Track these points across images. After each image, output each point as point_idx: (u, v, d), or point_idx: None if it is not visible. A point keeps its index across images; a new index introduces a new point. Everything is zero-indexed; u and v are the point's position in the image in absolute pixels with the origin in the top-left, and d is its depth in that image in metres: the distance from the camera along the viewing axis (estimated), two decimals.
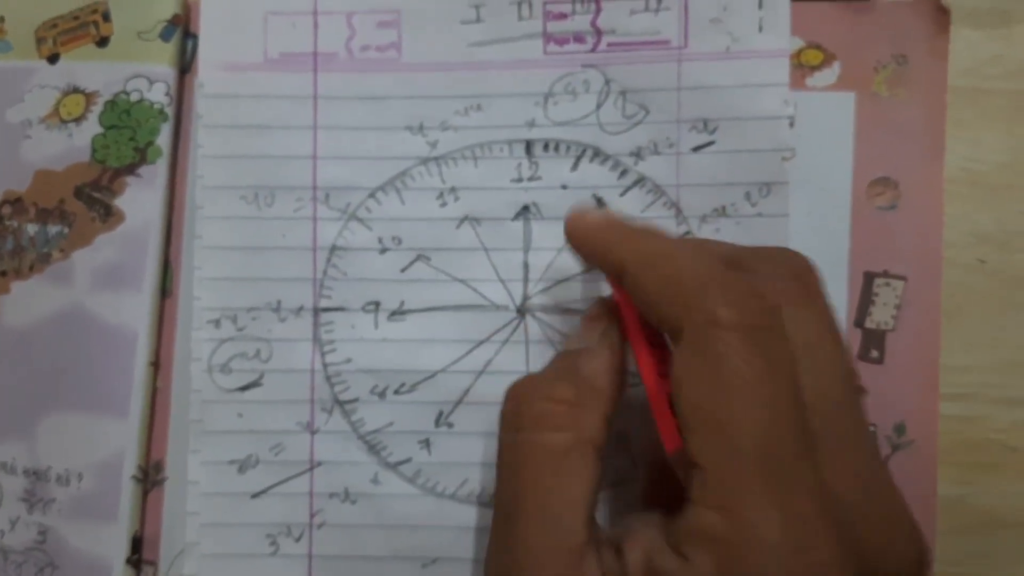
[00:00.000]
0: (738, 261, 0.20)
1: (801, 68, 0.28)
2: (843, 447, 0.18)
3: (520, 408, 0.20)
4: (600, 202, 0.27)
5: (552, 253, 0.28)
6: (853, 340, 0.27)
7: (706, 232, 0.27)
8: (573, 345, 0.22)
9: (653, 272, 0.19)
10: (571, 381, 0.20)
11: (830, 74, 0.28)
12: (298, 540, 0.27)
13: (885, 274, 0.27)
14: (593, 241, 0.21)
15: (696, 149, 0.27)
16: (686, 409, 0.18)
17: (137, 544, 0.28)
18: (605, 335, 0.21)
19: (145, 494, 0.28)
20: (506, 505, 0.20)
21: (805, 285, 0.19)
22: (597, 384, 0.20)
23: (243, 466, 0.28)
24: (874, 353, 0.27)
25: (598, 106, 0.28)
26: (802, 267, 0.20)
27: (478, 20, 0.28)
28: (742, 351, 0.17)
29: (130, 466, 0.28)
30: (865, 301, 0.27)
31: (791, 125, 0.27)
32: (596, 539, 0.19)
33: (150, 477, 0.28)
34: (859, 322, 0.27)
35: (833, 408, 0.18)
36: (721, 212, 0.27)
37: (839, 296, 0.27)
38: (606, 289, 0.27)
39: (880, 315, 0.27)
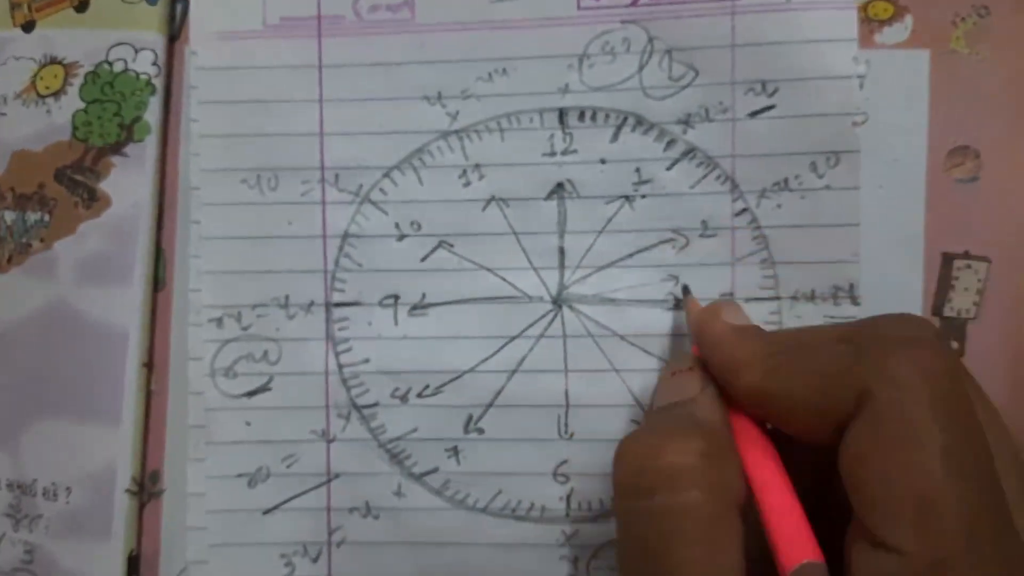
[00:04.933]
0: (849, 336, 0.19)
1: (868, 23, 0.26)
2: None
3: (645, 467, 0.18)
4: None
5: (591, 236, 0.27)
6: None
7: (767, 208, 0.26)
8: (665, 399, 0.21)
9: (793, 365, 0.19)
10: (694, 431, 0.19)
11: (902, 29, 0.27)
12: (315, 560, 0.27)
13: (966, 255, 0.26)
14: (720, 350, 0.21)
15: (753, 115, 0.26)
16: (876, 487, 0.17)
17: (134, 563, 0.27)
18: (705, 384, 0.20)
19: (141, 508, 0.27)
20: None
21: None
22: (722, 432, 0.19)
23: (253, 480, 0.27)
24: (954, 344, 0.26)
25: (640, 68, 0.27)
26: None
27: None
28: (936, 416, 0.17)
29: (124, 478, 0.27)
30: (943, 286, 0.26)
31: (861, 87, 0.26)
32: None
33: (146, 489, 0.27)
34: (936, 310, 0.26)
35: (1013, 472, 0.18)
36: (783, 185, 0.26)
37: (914, 280, 0.26)
38: (655, 291, 0.26)
39: (960, 302, 0.26)
